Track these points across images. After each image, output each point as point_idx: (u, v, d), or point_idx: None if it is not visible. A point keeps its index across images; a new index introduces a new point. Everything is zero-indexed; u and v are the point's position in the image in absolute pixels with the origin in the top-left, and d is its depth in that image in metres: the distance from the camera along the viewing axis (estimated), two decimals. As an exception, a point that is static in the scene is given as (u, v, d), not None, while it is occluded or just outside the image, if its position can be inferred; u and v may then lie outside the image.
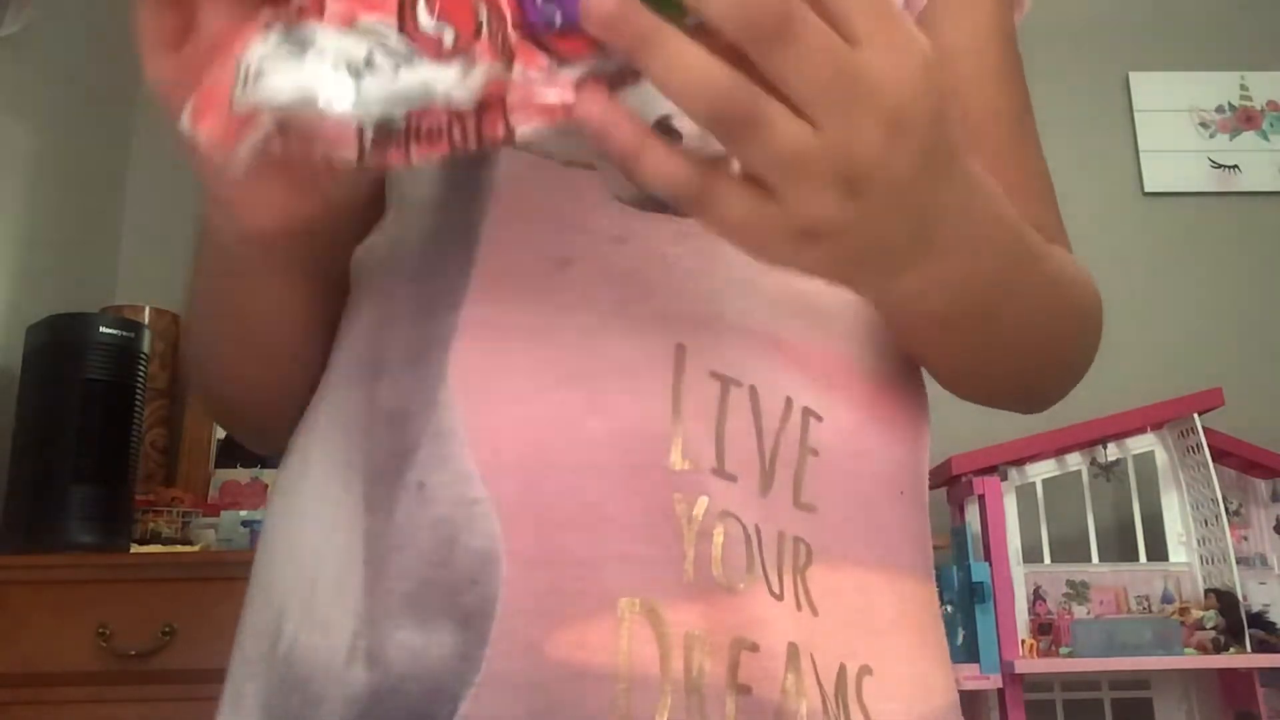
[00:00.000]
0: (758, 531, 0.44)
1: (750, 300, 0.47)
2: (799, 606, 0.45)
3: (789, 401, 0.47)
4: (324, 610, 0.45)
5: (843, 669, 0.45)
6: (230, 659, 0.49)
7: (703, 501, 0.44)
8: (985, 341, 0.48)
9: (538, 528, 0.43)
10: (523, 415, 0.44)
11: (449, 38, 0.32)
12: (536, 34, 0.32)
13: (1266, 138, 2.52)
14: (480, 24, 0.32)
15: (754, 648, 0.43)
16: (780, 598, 0.44)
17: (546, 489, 0.43)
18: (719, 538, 0.43)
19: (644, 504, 0.43)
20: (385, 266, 0.50)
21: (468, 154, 0.34)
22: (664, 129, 0.35)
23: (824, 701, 0.44)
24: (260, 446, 0.62)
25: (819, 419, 0.48)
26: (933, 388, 0.56)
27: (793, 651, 0.43)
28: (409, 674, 0.42)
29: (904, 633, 0.49)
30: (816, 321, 0.49)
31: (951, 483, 2.03)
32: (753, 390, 0.46)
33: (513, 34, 0.32)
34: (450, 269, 0.47)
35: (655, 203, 0.45)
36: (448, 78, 0.32)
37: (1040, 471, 2.06)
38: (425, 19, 0.31)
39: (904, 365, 0.53)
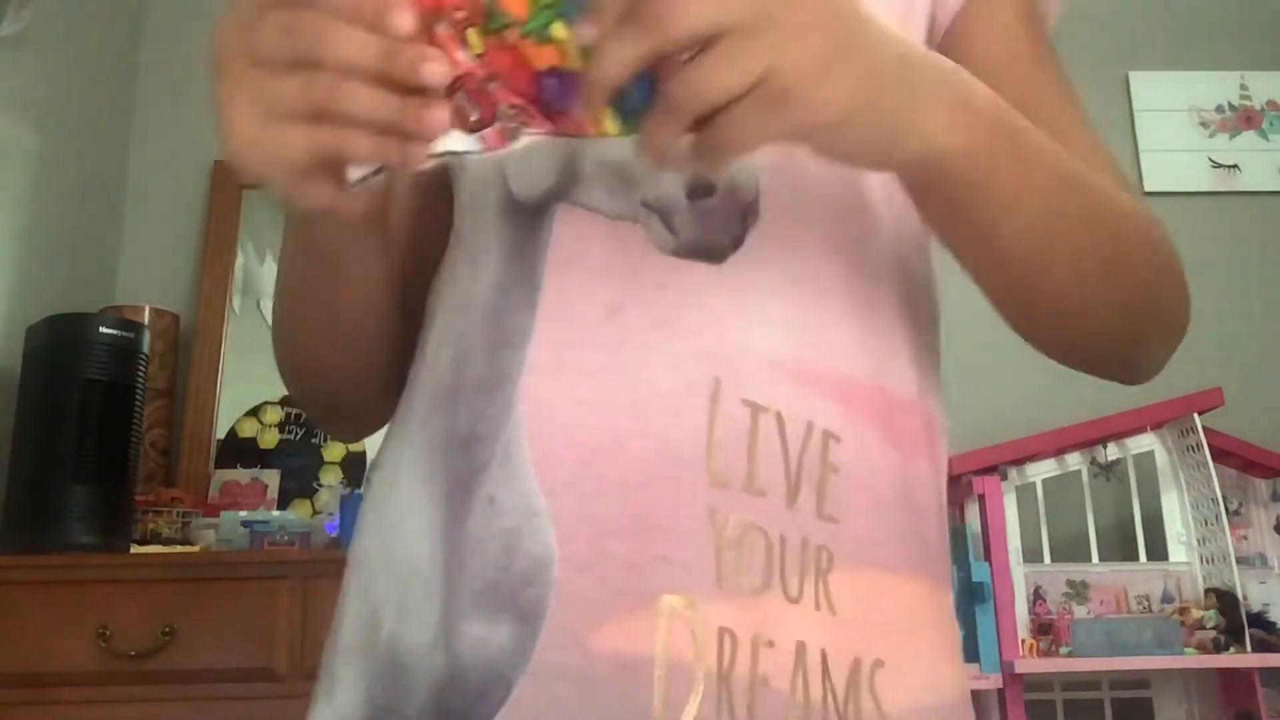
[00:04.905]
0: (782, 540, 0.51)
1: (776, 334, 0.53)
2: (818, 606, 0.51)
3: (810, 425, 0.52)
4: (416, 608, 0.53)
5: (857, 663, 0.51)
6: (325, 649, 0.57)
7: (732, 515, 0.50)
8: (1032, 234, 0.51)
9: (589, 536, 0.50)
10: (578, 439, 0.51)
11: (474, 115, 0.43)
12: (543, 107, 0.43)
13: (1266, 137, 2.52)
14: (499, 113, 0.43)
15: (770, 644, 0.49)
16: (797, 600, 0.50)
17: (598, 502, 0.50)
18: (744, 547, 0.50)
19: (685, 513, 0.50)
20: (460, 311, 0.58)
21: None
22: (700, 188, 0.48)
23: (825, 695, 0.50)
24: (337, 428, 0.75)
25: (838, 440, 0.53)
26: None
27: (800, 649, 0.50)
28: (473, 662, 0.50)
29: (918, 631, 0.54)
30: (835, 349, 0.54)
31: (952, 483, 2.02)
32: (779, 416, 0.52)
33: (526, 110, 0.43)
34: (517, 313, 0.55)
35: (691, 250, 0.53)
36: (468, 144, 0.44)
37: (1040, 471, 2.06)
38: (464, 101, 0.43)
39: (920, 386, 0.57)
